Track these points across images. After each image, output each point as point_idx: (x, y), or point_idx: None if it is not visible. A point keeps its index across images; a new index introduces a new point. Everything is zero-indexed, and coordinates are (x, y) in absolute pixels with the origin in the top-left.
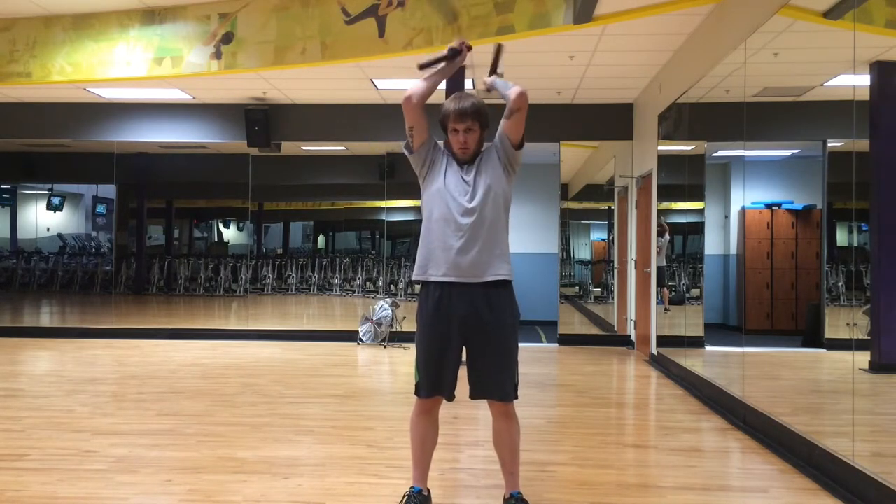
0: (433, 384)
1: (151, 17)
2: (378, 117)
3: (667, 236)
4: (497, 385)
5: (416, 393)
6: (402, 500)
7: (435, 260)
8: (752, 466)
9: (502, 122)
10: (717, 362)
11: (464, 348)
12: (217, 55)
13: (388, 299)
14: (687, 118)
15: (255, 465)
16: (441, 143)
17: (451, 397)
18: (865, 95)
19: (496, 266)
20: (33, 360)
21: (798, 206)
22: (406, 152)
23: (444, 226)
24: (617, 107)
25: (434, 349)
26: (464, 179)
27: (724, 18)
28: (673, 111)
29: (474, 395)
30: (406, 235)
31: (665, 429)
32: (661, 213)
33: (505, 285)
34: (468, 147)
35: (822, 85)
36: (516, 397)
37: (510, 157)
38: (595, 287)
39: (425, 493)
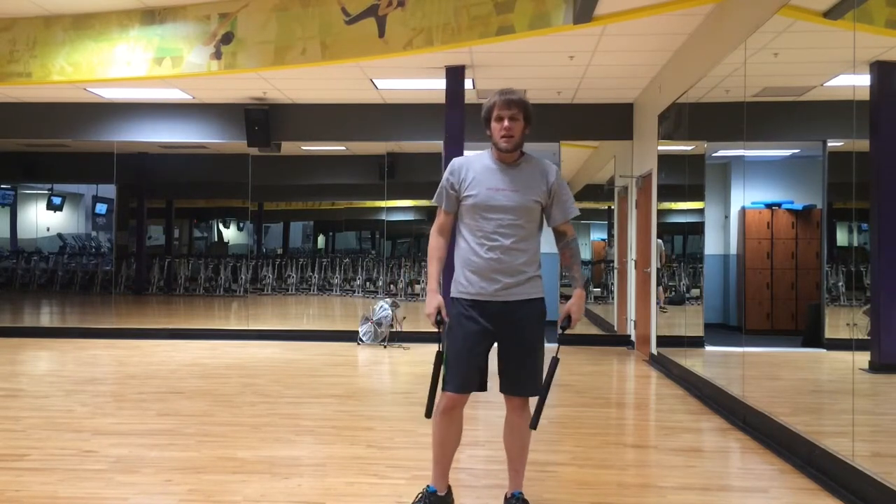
0: (464, 380)
1: (151, 17)
2: (378, 117)
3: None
4: (529, 383)
5: (443, 388)
6: (415, 499)
7: (468, 277)
8: (752, 466)
9: (561, 222)
10: (716, 362)
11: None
12: (217, 55)
13: (388, 299)
14: (687, 118)
15: (255, 465)
16: (464, 161)
17: (482, 388)
18: (865, 95)
19: (529, 286)
20: (33, 360)
21: (798, 206)
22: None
23: (475, 239)
24: (617, 107)
25: (467, 345)
26: (500, 191)
27: (724, 18)
28: (673, 111)
29: (504, 390)
30: (406, 235)
31: (665, 429)
32: (660, 213)
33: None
34: (512, 134)
35: (822, 85)
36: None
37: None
38: (595, 287)
39: (441, 494)
